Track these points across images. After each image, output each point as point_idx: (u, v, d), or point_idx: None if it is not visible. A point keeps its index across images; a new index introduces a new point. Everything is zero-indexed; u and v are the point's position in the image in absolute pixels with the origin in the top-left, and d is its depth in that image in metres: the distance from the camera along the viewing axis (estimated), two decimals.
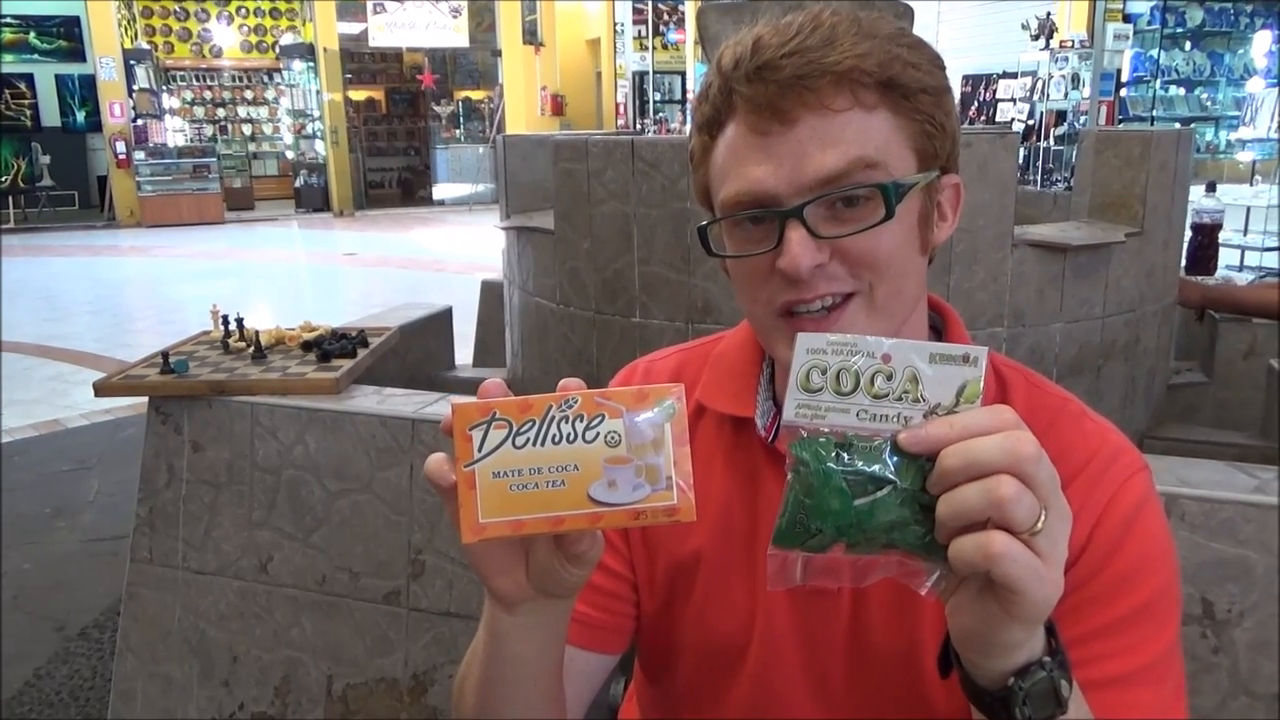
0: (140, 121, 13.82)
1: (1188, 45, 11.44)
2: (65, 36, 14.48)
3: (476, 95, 17.92)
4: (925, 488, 0.53)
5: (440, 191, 16.43)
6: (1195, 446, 2.19)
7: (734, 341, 0.90)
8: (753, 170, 0.71)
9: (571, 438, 0.56)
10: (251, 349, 2.07)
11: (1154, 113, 10.83)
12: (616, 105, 16.51)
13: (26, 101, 14.51)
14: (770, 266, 0.72)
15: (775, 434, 0.82)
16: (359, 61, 17.42)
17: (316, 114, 15.17)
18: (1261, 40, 10.31)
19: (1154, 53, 11.03)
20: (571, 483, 0.56)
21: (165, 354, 2.01)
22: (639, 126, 14.79)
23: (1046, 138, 10.26)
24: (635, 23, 16.15)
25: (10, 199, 13.50)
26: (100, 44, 13.46)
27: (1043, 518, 0.51)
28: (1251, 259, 6.88)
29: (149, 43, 15.53)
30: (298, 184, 15.22)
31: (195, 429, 1.95)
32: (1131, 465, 0.75)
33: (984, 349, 0.55)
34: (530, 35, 15.84)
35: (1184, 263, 2.80)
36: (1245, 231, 7.07)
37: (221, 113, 17.02)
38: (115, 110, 13.51)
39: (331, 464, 1.88)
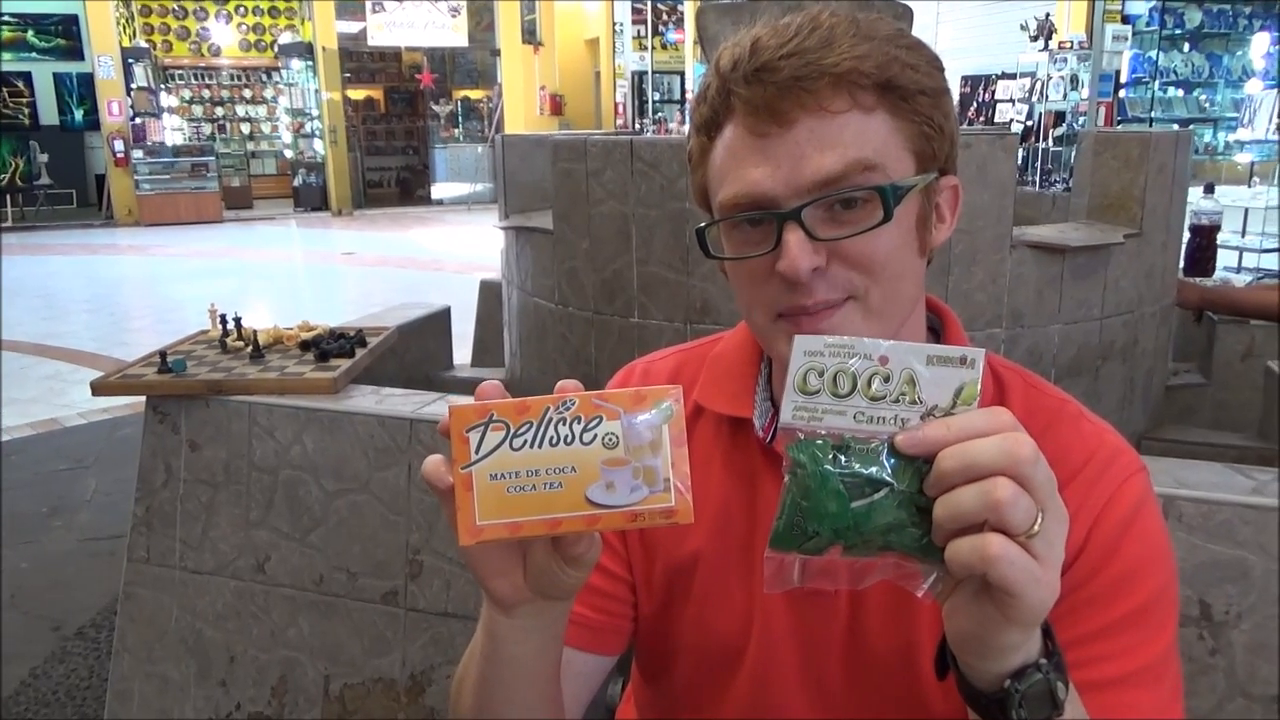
0: (138, 120, 13.80)
1: (1186, 47, 11.45)
2: (63, 35, 14.48)
3: (475, 95, 17.92)
4: (922, 490, 0.53)
5: (439, 191, 16.42)
6: (1193, 448, 2.19)
7: (732, 342, 0.90)
8: (751, 172, 0.71)
9: (569, 440, 0.56)
10: (249, 348, 2.07)
11: (1152, 114, 10.85)
12: (615, 105, 16.52)
13: (24, 100, 14.50)
14: (768, 269, 0.72)
15: (773, 435, 0.82)
16: (358, 60, 17.41)
17: (315, 113, 15.16)
18: (1260, 42, 10.32)
19: (1153, 54, 11.04)
20: (569, 485, 0.56)
21: (163, 353, 2.01)
22: (638, 126, 14.79)
23: (1045, 139, 10.26)
24: (634, 22, 16.16)
25: (8, 197, 13.49)
26: (98, 42, 13.44)
27: (1039, 520, 0.51)
28: (1250, 260, 6.88)
29: (147, 41, 15.51)
30: (296, 183, 15.22)
31: (193, 428, 1.95)
32: (1129, 466, 0.75)
33: (981, 351, 0.55)
34: (529, 35, 15.84)
35: (1182, 264, 2.80)
36: (1243, 233, 7.08)
37: (220, 111, 17.01)
38: (113, 109, 13.49)
39: (329, 464, 1.88)
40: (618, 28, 16.44)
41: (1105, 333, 2.10)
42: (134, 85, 13.81)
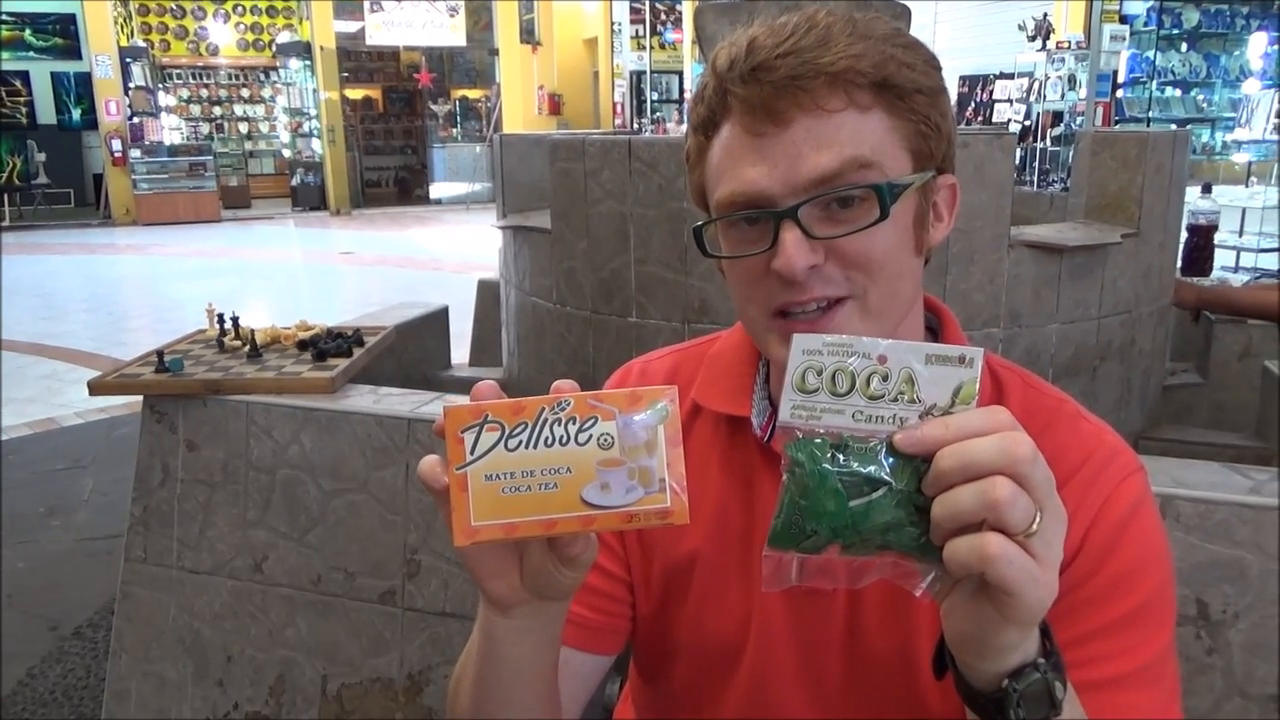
0: (136, 119, 13.78)
1: (1184, 46, 11.48)
2: (61, 34, 14.45)
3: (474, 94, 17.91)
4: (921, 489, 0.53)
5: (437, 190, 16.40)
6: (1190, 447, 2.19)
7: (730, 342, 0.90)
8: (747, 171, 0.71)
9: (564, 440, 0.56)
10: (247, 348, 2.07)
11: (1150, 114, 10.86)
12: (614, 105, 16.52)
13: (22, 99, 14.48)
14: (765, 267, 0.72)
15: (771, 433, 0.82)
16: (356, 60, 17.40)
17: (313, 112, 15.15)
18: (1257, 42, 10.34)
19: (1150, 54, 11.06)
20: (564, 485, 0.56)
21: (160, 353, 2.01)
22: (636, 126, 14.79)
23: (1043, 139, 10.28)
24: (633, 22, 16.16)
25: (6, 197, 13.48)
26: (96, 42, 13.43)
27: (1038, 519, 0.51)
28: (1247, 260, 6.89)
29: (145, 40, 15.50)
30: (294, 182, 15.20)
31: (190, 428, 1.95)
32: (1127, 466, 0.75)
33: (979, 350, 0.55)
34: (527, 34, 15.83)
35: (1180, 264, 2.80)
36: (1241, 233, 7.09)
37: (218, 111, 16.99)
38: (111, 108, 13.48)
39: (327, 463, 1.87)
40: (616, 27, 16.44)
41: (1103, 332, 2.11)
42: (132, 84, 13.80)
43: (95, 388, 1.93)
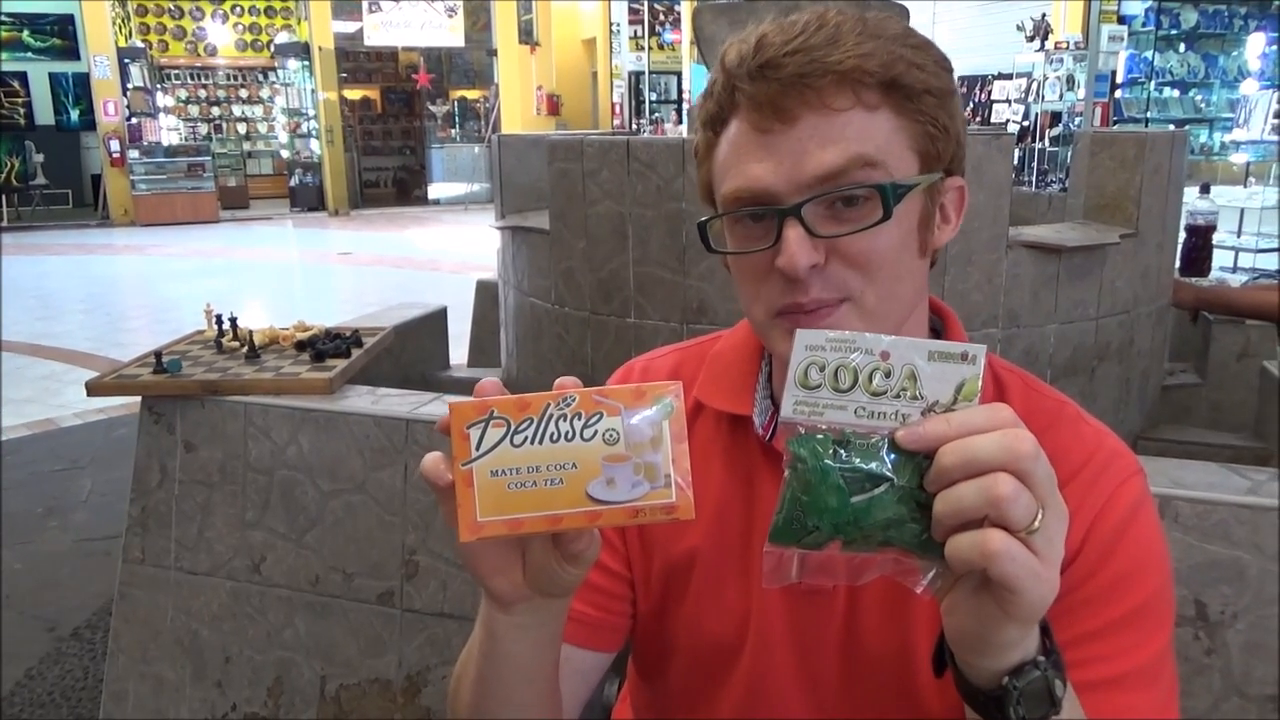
0: (134, 120, 13.77)
1: (1182, 47, 11.49)
2: (59, 34, 14.44)
3: (472, 95, 17.91)
4: (923, 485, 0.53)
5: (435, 191, 16.40)
6: (1189, 448, 2.19)
7: (732, 341, 0.90)
8: (753, 168, 0.71)
9: (569, 436, 0.56)
10: (245, 349, 2.07)
11: (1148, 114, 10.88)
12: (612, 105, 16.52)
13: (20, 99, 14.47)
14: (769, 264, 0.72)
15: (773, 432, 0.83)
16: (354, 60, 17.39)
17: (311, 113, 15.13)
18: (1255, 42, 10.35)
19: (1148, 54, 11.08)
20: (570, 481, 0.56)
21: (158, 353, 2.01)
22: (634, 127, 14.79)
23: (1041, 139, 10.29)
24: (631, 23, 16.17)
25: (4, 197, 13.47)
26: (94, 42, 13.41)
27: (1040, 516, 0.51)
28: (1245, 260, 6.90)
29: (143, 41, 15.48)
30: (293, 183, 15.18)
31: (188, 429, 1.95)
32: (1127, 469, 0.75)
33: (982, 347, 0.55)
34: (526, 35, 15.82)
35: (1178, 264, 2.80)
36: (1239, 233, 7.10)
37: (216, 111, 16.97)
38: (109, 109, 13.46)
39: (325, 464, 1.87)
40: (614, 28, 16.44)
41: (1101, 333, 2.11)
42: (130, 85, 13.78)
43: (93, 388, 1.93)
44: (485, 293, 3.30)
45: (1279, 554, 1.33)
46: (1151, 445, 2.21)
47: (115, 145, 13.34)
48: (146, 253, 11.10)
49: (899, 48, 0.70)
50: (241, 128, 17.12)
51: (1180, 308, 2.43)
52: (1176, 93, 11.45)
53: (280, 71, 15.58)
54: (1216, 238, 3.35)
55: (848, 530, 0.54)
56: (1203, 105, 11.47)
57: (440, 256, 10.53)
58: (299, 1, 15.88)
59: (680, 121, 14.58)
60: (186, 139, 15.60)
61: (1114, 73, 10.59)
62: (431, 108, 17.27)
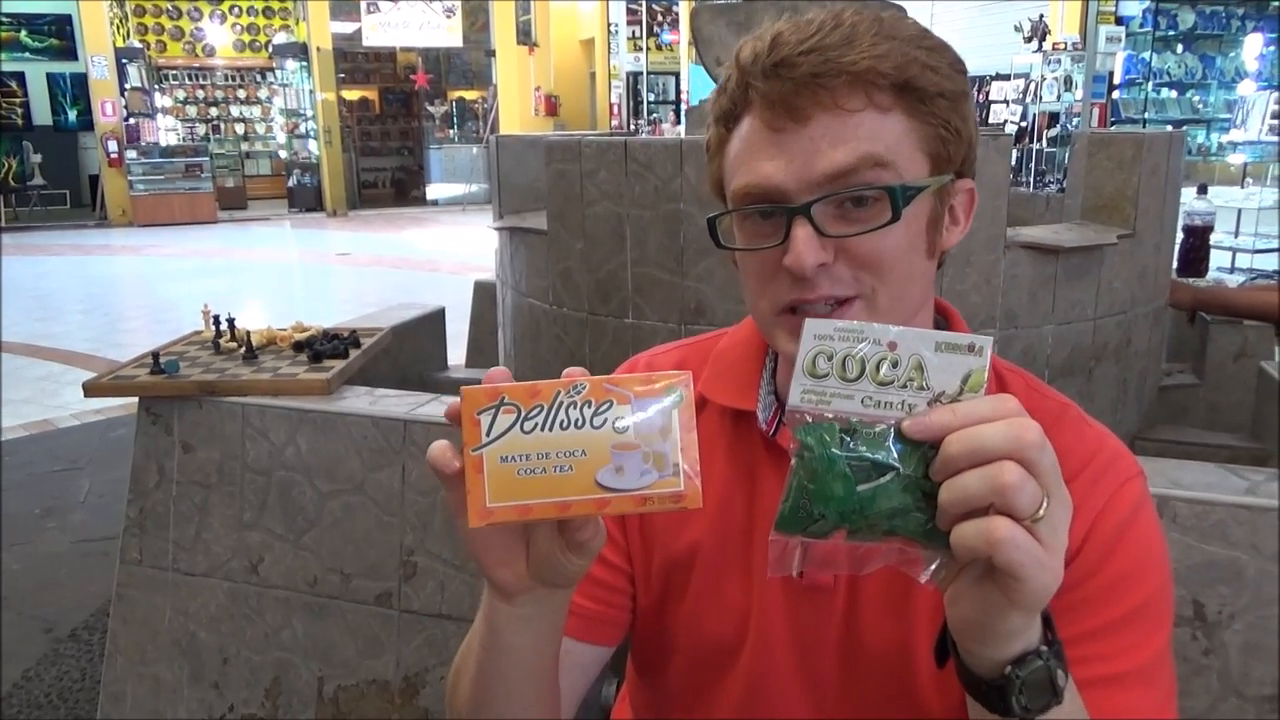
0: (132, 120, 13.75)
1: (1179, 48, 11.51)
2: (57, 35, 14.42)
3: (470, 95, 17.91)
4: (928, 475, 0.53)
5: (434, 192, 16.39)
6: (1186, 448, 2.19)
7: (737, 337, 0.91)
8: (764, 165, 0.72)
9: (580, 423, 0.57)
10: (243, 349, 2.07)
11: (1146, 115, 10.89)
12: (610, 106, 16.52)
13: (18, 100, 14.45)
14: (776, 262, 0.72)
15: (776, 428, 0.83)
16: (352, 61, 17.38)
17: (310, 113, 15.12)
18: (1252, 43, 10.37)
19: (1146, 55, 11.09)
20: (579, 468, 0.56)
21: (156, 354, 2.00)
22: (633, 127, 14.79)
23: (1039, 140, 10.30)
24: (629, 23, 16.18)
25: (2, 198, 13.44)
26: (92, 42, 13.39)
27: (1045, 505, 0.51)
28: (1243, 261, 6.91)
29: (141, 41, 15.47)
30: (291, 183, 15.17)
31: (186, 430, 1.94)
32: (1128, 470, 0.75)
33: (989, 339, 0.55)
34: (524, 35, 15.82)
35: (1175, 265, 2.81)
36: (1236, 234, 7.11)
37: (214, 112, 16.95)
38: (107, 109, 13.44)
39: (323, 465, 1.87)
40: (613, 28, 16.44)
41: (1099, 333, 2.11)
42: (128, 85, 13.76)
43: (91, 389, 1.93)
44: (483, 293, 3.30)
45: (1278, 554, 1.33)
46: (1149, 446, 2.21)
47: (113, 146, 13.32)
48: (144, 253, 11.09)
49: (914, 49, 0.70)
50: (239, 128, 17.10)
51: (1178, 308, 2.43)
52: (1174, 93, 11.47)
53: (278, 72, 15.58)
54: (1214, 238, 3.35)
55: (853, 519, 0.54)
56: (1200, 106, 11.49)
57: (438, 257, 10.53)
58: (297, 2, 15.86)
59: (678, 122, 14.58)
60: (184, 139, 15.58)
61: (1111, 73, 10.60)
62: (430, 108, 17.27)
